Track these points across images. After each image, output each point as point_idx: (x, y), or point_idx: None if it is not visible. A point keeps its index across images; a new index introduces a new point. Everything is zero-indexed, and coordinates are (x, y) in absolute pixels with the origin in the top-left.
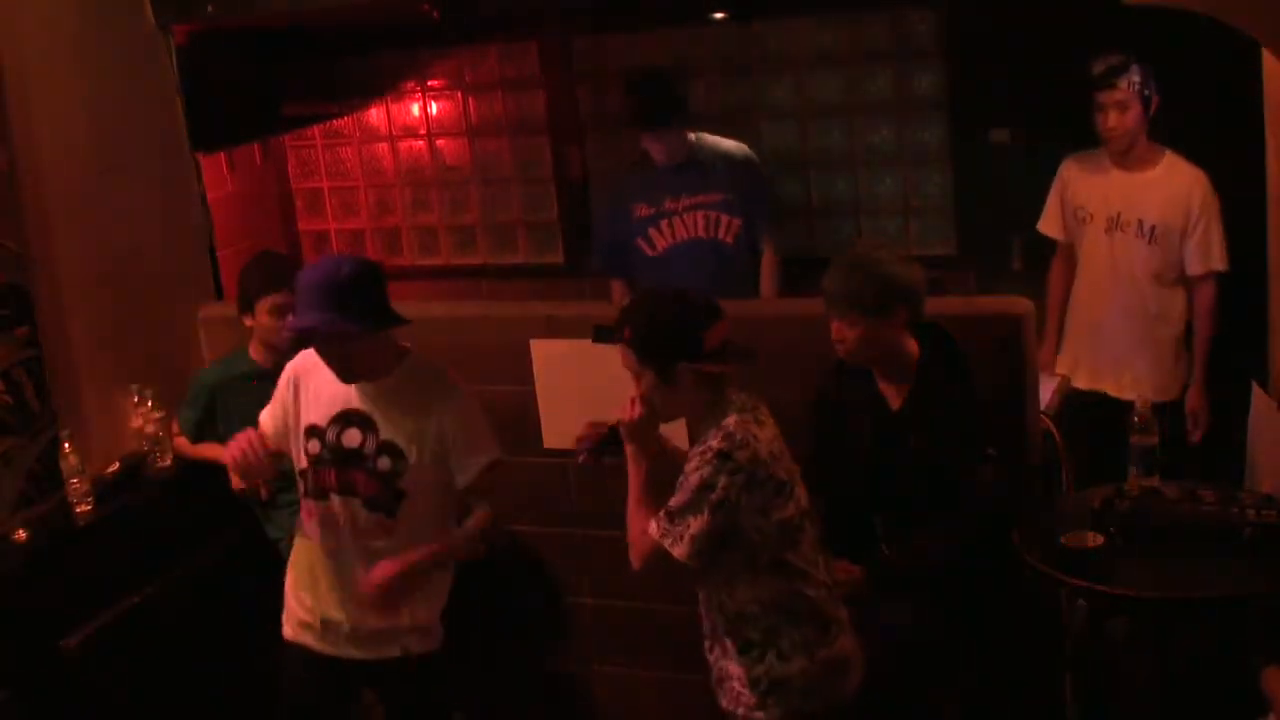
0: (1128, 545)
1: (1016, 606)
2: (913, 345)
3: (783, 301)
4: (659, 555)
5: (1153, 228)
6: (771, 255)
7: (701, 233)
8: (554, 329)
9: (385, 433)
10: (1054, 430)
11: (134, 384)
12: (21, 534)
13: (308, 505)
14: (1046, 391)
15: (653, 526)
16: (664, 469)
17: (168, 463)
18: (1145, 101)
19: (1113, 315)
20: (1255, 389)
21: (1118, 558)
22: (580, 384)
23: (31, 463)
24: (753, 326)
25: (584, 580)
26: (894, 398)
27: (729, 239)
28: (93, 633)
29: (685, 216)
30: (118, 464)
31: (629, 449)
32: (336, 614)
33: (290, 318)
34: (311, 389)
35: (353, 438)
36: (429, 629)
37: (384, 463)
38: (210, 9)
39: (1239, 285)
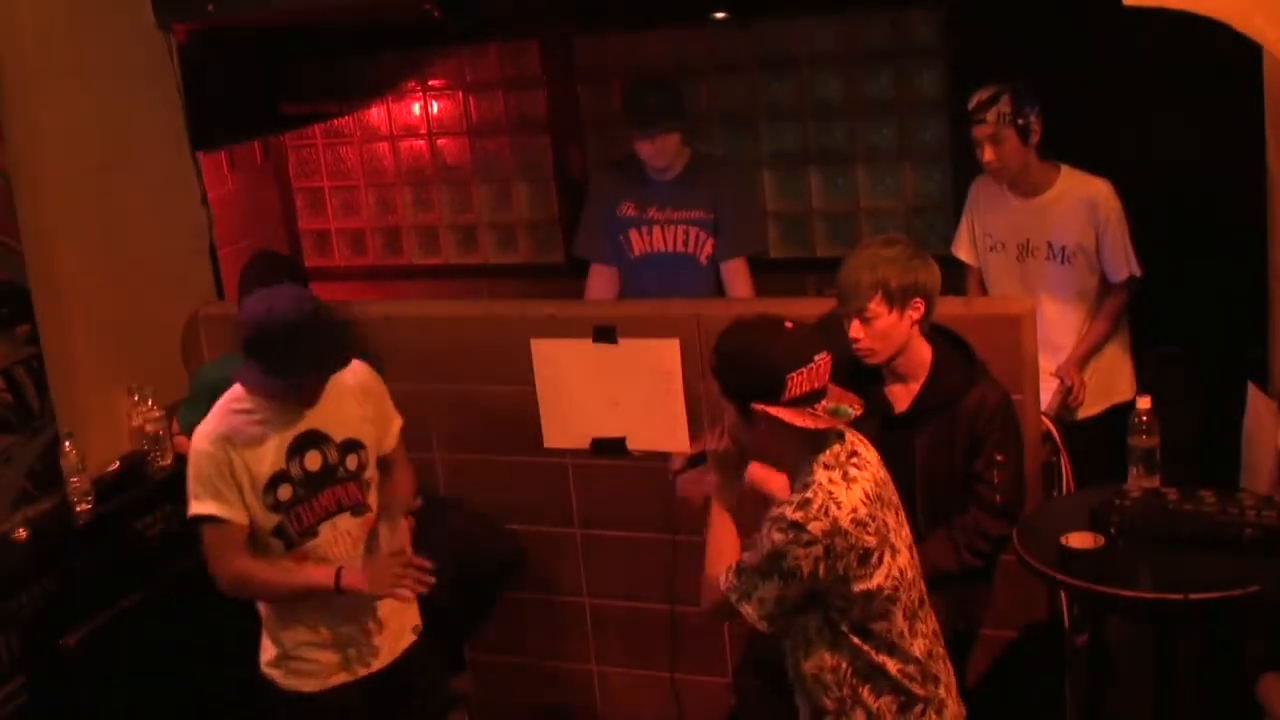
0: (1127, 545)
1: (1016, 606)
2: (925, 347)
3: (783, 302)
4: (727, 608)
5: (1063, 248)
6: (743, 263)
7: (681, 248)
8: (554, 329)
9: (339, 434)
10: (1054, 430)
11: (134, 384)
12: (21, 533)
13: (300, 552)
14: (1046, 392)
15: (722, 578)
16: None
17: (168, 462)
18: (1021, 130)
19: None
20: (1251, 389)
21: (1118, 558)
22: (580, 384)
23: (32, 461)
24: None
25: (584, 580)
26: (901, 400)
27: (703, 258)
28: (93, 632)
29: (668, 228)
30: (118, 463)
31: (715, 480)
32: (356, 631)
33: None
34: (243, 449)
35: (314, 460)
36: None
37: (351, 461)
38: (211, 9)
39: (1237, 285)
